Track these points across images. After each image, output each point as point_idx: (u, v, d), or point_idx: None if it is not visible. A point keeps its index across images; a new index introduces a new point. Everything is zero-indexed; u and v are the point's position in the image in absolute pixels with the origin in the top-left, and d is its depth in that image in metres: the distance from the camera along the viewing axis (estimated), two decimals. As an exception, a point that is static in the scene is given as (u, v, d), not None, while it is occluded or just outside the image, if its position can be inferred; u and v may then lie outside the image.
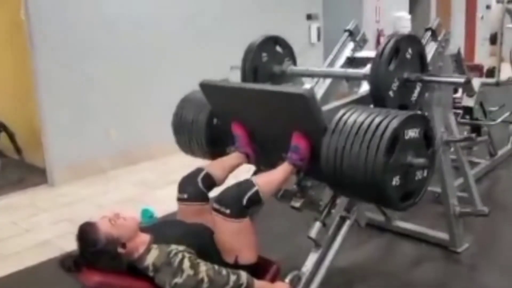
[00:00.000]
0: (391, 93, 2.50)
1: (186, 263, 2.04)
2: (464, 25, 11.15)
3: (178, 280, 2.02)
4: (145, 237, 2.16)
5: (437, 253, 3.27)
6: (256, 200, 2.25)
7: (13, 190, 4.84)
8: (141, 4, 5.47)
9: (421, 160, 2.14)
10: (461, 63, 3.67)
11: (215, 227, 2.28)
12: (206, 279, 2.05)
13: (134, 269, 2.12)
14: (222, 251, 2.26)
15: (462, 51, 5.45)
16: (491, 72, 5.06)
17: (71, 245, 2.13)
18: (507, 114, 4.61)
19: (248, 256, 2.27)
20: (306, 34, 7.39)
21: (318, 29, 7.50)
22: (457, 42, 8.98)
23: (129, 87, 5.42)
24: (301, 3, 7.19)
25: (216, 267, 2.11)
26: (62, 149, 4.94)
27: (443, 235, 3.32)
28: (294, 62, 3.25)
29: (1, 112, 5.61)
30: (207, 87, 2.70)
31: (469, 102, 4.16)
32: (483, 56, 9.76)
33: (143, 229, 2.23)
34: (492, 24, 5.00)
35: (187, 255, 2.07)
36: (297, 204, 2.68)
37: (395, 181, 2.11)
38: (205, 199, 2.48)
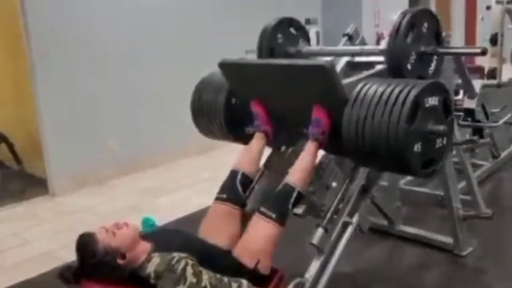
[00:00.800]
0: (409, 66, 2.53)
1: (189, 271, 2.03)
2: (464, 27, 11.14)
3: (181, 287, 2.00)
4: (146, 246, 2.16)
5: (441, 257, 3.24)
6: (299, 198, 2.39)
7: (14, 201, 4.82)
8: (141, 14, 5.46)
9: (441, 127, 2.17)
10: (461, 64, 3.64)
11: (251, 228, 2.33)
12: (208, 287, 2.03)
13: (135, 278, 2.09)
14: (246, 253, 2.27)
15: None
16: (492, 73, 5.03)
17: (72, 255, 2.12)
18: (509, 115, 4.57)
19: (267, 264, 2.30)
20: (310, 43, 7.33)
21: (317, 34, 7.48)
22: (457, 43, 8.95)
23: (129, 96, 5.41)
24: (299, 7, 7.15)
25: (218, 275, 2.10)
26: (63, 159, 4.93)
27: (447, 239, 3.29)
28: (309, 43, 3.27)
29: (1, 123, 5.60)
30: (226, 66, 2.71)
31: (470, 104, 4.13)
32: (483, 59, 9.73)
33: (144, 237, 2.22)
34: (493, 25, 4.98)
35: (190, 262, 2.06)
36: (299, 210, 2.65)
37: (417, 147, 2.14)
38: (240, 204, 2.52)
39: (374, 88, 2.22)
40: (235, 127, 2.90)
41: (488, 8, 11.56)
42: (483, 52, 2.71)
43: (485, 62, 5.28)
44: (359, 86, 2.28)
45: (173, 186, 5.00)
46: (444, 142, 2.28)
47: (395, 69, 2.53)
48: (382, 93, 2.17)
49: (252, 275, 2.23)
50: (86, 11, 5.00)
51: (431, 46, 2.63)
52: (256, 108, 2.69)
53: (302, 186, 2.39)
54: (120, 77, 5.31)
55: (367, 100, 2.19)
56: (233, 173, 2.60)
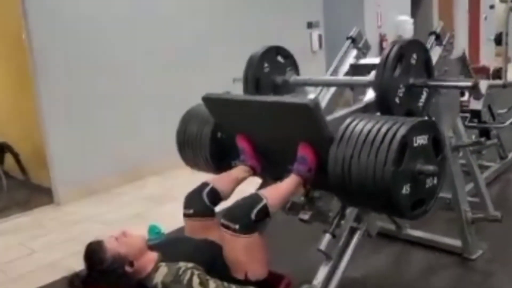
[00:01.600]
0: (397, 100, 2.47)
1: (196, 281, 2.01)
2: (467, 26, 11.10)
3: None
4: (153, 255, 2.14)
5: (450, 260, 3.20)
6: (265, 213, 2.21)
7: (19, 211, 4.82)
8: (147, 22, 5.48)
9: (430, 167, 2.11)
10: (466, 66, 3.62)
11: (223, 243, 2.24)
12: None
13: None
14: (232, 268, 2.22)
15: (467, 53, 5.40)
16: (497, 73, 5.00)
17: (79, 264, 2.11)
18: (516, 116, 4.53)
19: (258, 272, 2.24)
20: (308, 42, 7.37)
21: (320, 37, 7.48)
22: (461, 44, 8.92)
23: (133, 103, 5.41)
24: (301, 11, 7.17)
25: (226, 284, 2.08)
26: (67, 168, 4.93)
27: (456, 242, 3.25)
28: (297, 72, 3.22)
29: (6, 133, 5.61)
30: (209, 101, 2.67)
31: (476, 105, 4.09)
32: (488, 57, 9.69)
33: (150, 247, 2.21)
34: (497, 24, 4.94)
35: (196, 272, 2.04)
36: (305, 216, 2.64)
37: (405, 189, 2.08)
38: (212, 214, 2.45)
39: (361, 126, 2.16)
40: (221, 161, 2.85)
41: (492, 7, 11.59)
42: (474, 86, 2.67)
43: (490, 62, 5.27)
44: (346, 123, 2.22)
45: (178, 193, 4.91)
46: (435, 181, 2.20)
47: (383, 102, 2.47)
48: (369, 132, 2.10)
49: (249, 284, 2.18)
50: (89, 10, 5.04)
51: (421, 78, 2.56)
52: (241, 143, 2.64)
53: (271, 203, 2.22)
54: (125, 84, 5.32)
55: (353, 139, 2.13)
56: (202, 185, 2.50)
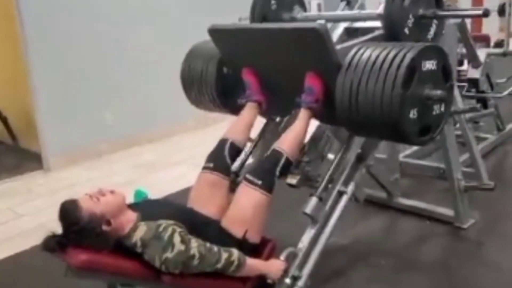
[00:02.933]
0: (406, 30, 2.43)
1: (177, 238, 1.98)
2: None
3: (168, 255, 1.96)
4: (132, 214, 2.10)
5: (441, 229, 3.15)
6: (288, 166, 2.34)
7: (8, 176, 4.77)
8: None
9: (438, 92, 2.09)
10: (466, 32, 3.52)
11: (238, 196, 2.29)
12: (197, 255, 1.99)
13: (122, 248, 2.04)
14: (234, 222, 2.23)
15: (469, 24, 5.27)
16: (499, 45, 4.88)
17: None
18: (515, 86, 4.43)
19: (256, 234, 2.26)
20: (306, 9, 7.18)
21: (319, 6, 7.32)
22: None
23: (124, 69, 5.31)
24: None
25: (208, 244, 2.05)
26: (57, 133, 4.86)
27: (448, 211, 3.20)
28: (304, 9, 3.18)
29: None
30: (216, 32, 2.63)
31: (474, 74, 3.99)
32: (491, 30, 9.53)
33: (131, 207, 2.17)
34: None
35: (177, 229, 2.01)
36: (293, 181, 2.62)
37: (413, 114, 2.07)
38: (228, 173, 2.48)
39: (369, 53, 2.13)
40: (226, 98, 2.84)
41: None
42: (485, 14, 2.57)
43: (493, 36, 5.15)
44: (353, 51, 2.19)
45: (169, 161, 4.94)
46: (442, 108, 2.20)
47: (392, 33, 2.43)
48: (377, 58, 2.08)
49: (242, 245, 2.18)
50: None
51: (431, 9, 2.51)
52: (247, 77, 2.63)
53: (291, 153, 2.33)
54: (115, 51, 5.21)
55: (361, 66, 2.11)
56: (222, 142, 2.54)
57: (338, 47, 2.39)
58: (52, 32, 4.74)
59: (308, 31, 2.23)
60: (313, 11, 7.22)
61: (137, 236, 2.00)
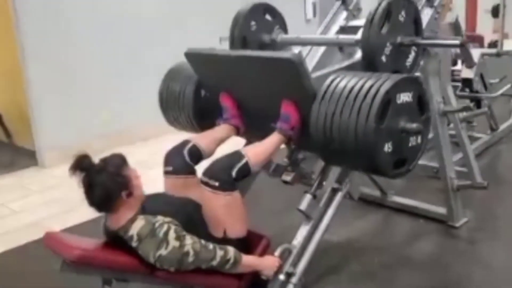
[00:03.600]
0: (383, 58, 2.41)
1: (172, 235, 1.98)
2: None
3: (162, 252, 1.96)
4: (136, 205, 2.10)
5: (434, 228, 3.17)
6: (245, 171, 2.22)
7: (2, 172, 4.76)
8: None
9: (414, 125, 2.06)
10: (459, 32, 3.54)
11: (203, 200, 2.22)
12: (191, 252, 1.99)
13: (118, 240, 2.05)
14: (210, 225, 2.21)
15: (463, 25, 5.30)
16: (493, 46, 4.91)
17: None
18: (508, 86, 4.44)
19: (237, 230, 2.23)
20: (301, 10, 7.23)
21: (314, 5, 7.34)
22: (459, 15, 8.77)
23: (119, 67, 5.30)
24: (296, -24, 7.01)
25: (203, 241, 2.05)
26: (52, 131, 4.85)
27: (441, 210, 3.21)
28: (285, 31, 3.14)
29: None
30: (193, 56, 2.62)
31: (468, 73, 4.02)
32: (485, 31, 9.59)
33: None
34: (496, -3, 4.83)
35: (173, 226, 2.01)
36: (288, 178, 2.62)
37: (387, 147, 2.04)
38: (192, 172, 2.42)
39: (344, 83, 2.11)
40: (203, 120, 2.80)
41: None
42: (462, 44, 2.61)
43: (487, 36, 5.19)
44: (329, 79, 2.17)
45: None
46: (419, 140, 2.17)
47: (369, 61, 2.41)
48: (352, 88, 2.06)
49: (227, 243, 2.16)
50: None
51: (409, 36, 2.49)
52: (224, 101, 2.61)
53: (252, 161, 2.24)
54: (111, 48, 5.20)
55: (336, 96, 2.08)
56: (184, 142, 2.47)
57: (314, 75, 2.38)
58: (47, 29, 4.73)
59: (283, 61, 2.21)
60: (308, 10, 7.26)
61: (133, 230, 2.01)
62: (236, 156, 2.24)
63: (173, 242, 1.97)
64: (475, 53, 4.01)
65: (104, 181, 1.99)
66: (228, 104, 2.60)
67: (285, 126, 2.33)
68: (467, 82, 4.05)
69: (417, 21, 2.54)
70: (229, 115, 2.60)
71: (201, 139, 2.52)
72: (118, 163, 2.05)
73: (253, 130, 2.65)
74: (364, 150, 2.00)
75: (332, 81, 2.16)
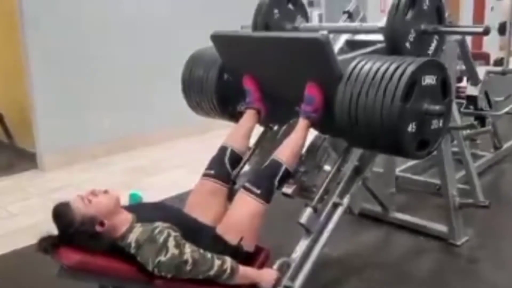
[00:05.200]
0: (407, 45, 2.42)
1: (171, 242, 1.97)
2: (472, 16, 10.96)
3: (162, 258, 1.94)
4: (128, 215, 2.09)
5: (435, 245, 3.14)
6: (286, 176, 2.35)
7: (2, 174, 4.75)
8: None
9: (437, 107, 2.10)
10: (466, 49, 3.52)
11: (235, 204, 2.29)
12: (190, 261, 1.97)
13: (117, 249, 2.03)
14: (229, 229, 2.22)
15: (469, 43, 5.29)
16: (499, 63, 4.89)
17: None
18: (513, 105, 4.44)
19: (251, 241, 2.26)
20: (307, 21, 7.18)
21: (320, 16, 7.34)
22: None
23: (123, 72, 5.30)
24: (303, -12, 7.01)
25: (201, 250, 2.04)
26: (53, 134, 4.83)
27: (442, 228, 3.19)
28: (307, 19, 3.16)
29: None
30: (218, 38, 2.64)
31: (473, 91, 4.00)
32: (491, 48, 9.56)
33: (127, 209, 2.16)
34: (504, 14, 4.81)
35: (172, 233, 2.00)
36: (288, 190, 2.60)
37: (411, 127, 2.07)
38: (227, 181, 2.48)
39: (370, 65, 2.14)
40: (226, 105, 2.83)
41: (499, -3, 11.38)
42: (486, 31, 2.57)
43: (494, 54, 5.17)
44: (354, 62, 2.20)
45: (165, 165, 4.93)
46: (440, 123, 2.21)
47: (393, 47, 2.41)
48: (378, 70, 2.09)
49: (237, 252, 2.17)
50: None
51: (432, 24, 2.51)
52: (248, 85, 2.63)
53: (290, 163, 2.33)
54: (114, 53, 5.20)
55: (362, 77, 2.12)
56: (222, 149, 2.55)
57: (339, 58, 2.38)
58: (51, 32, 4.73)
59: (310, 41, 2.24)
60: (314, 21, 7.26)
61: (132, 237, 2.00)
62: (275, 165, 2.32)
63: (172, 249, 1.95)
64: (481, 70, 4.00)
65: (76, 240, 1.97)
66: (251, 86, 2.62)
67: (309, 108, 2.35)
68: (471, 99, 4.02)
69: (439, 10, 2.54)
70: (252, 98, 2.63)
71: (235, 140, 2.59)
72: (66, 219, 1.97)
73: (275, 114, 2.69)
74: (388, 130, 2.03)
75: (357, 63, 2.18)
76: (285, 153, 2.36)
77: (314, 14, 7.25)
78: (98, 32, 5.05)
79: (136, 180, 4.54)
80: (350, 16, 3.26)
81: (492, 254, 3.05)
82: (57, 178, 4.62)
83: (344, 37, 3.24)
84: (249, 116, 2.64)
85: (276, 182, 2.28)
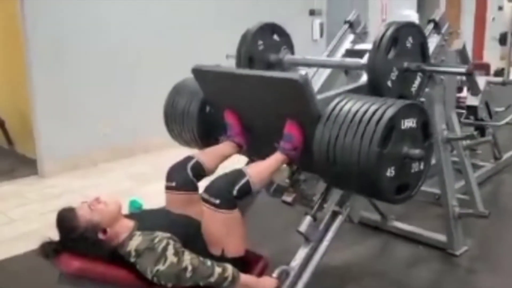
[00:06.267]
0: (389, 83, 2.41)
1: (170, 250, 1.97)
2: (473, 26, 10.98)
3: (160, 267, 1.94)
4: (128, 223, 2.10)
5: (434, 255, 3.14)
6: (247, 190, 2.20)
7: (3, 180, 4.75)
8: (134, 3, 5.36)
9: (417, 151, 2.06)
10: (466, 59, 3.54)
11: (203, 218, 2.20)
12: (189, 268, 1.97)
13: (117, 256, 2.04)
14: (209, 243, 2.19)
15: (470, 53, 5.31)
16: (499, 74, 4.91)
17: (57, 235, 2.05)
18: (513, 115, 4.45)
19: (235, 249, 2.20)
20: (309, 30, 7.27)
21: (321, 25, 7.37)
22: (464, 39, 8.80)
23: (122, 80, 5.32)
24: (304, -4, 7.06)
25: (201, 258, 2.04)
26: (54, 140, 4.84)
27: (441, 237, 3.19)
28: (292, 51, 3.14)
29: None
30: (199, 72, 2.62)
31: (473, 101, 4.01)
32: (492, 59, 9.61)
33: (128, 216, 2.17)
34: (505, 25, 4.83)
35: (171, 242, 2.00)
36: (288, 198, 2.61)
37: (390, 172, 2.03)
38: (194, 188, 2.39)
39: (349, 106, 2.12)
40: (208, 136, 2.79)
41: (500, 8, 11.45)
42: (469, 72, 2.59)
43: (494, 64, 5.19)
44: (334, 102, 2.18)
45: (164, 172, 4.88)
46: (421, 166, 2.17)
47: (374, 85, 2.41)
48: (357, 112, 2.06)
49: (225, 261, 2.14)
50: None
51: (415, 62, 2.49)
52: (229, 119, 2.60)
53: (254, 180, 2.22)
54: (114, 60, 5.21)
55: (341, 118, 2.09)
56: (187, 158, 2.45)
57: (320, 96, 2.36)
58: (53, 40, 4.75)
59: (289, 82, 2.20)
60: (315, 31, 7.30)
61: (131, 246, 2.00)
62: (238, 174, 2.22)
63: (171, 258, 1.95)
64: (481, 80, 4.01)
65: (78, 246, 1.98)
66: (232, 121, 2.59)
67: (288, 146, 2.31)
68: (472, 110, 4.03)
69: (424, 47, 2.53)
70: (233, 132, 2.59)
71: (204, 155, 2.51)
72: (70, 224, 1.99)
73: (255, 149, 2.63)
74: (366, 174, 1.99)
75: (337, 104, 2.16)
76: (253, 168, 2.29)
77: (316, 23, 7.29)
78: (100, 39, 5.07)
79: (135, 187, 4.53)
80: (351, 26, 3.28)
81: (492, 265, 3.04)
82: (58, 185, 4.62)
83: (344, 46, 3.25)
84: (227, 145, 2.59)
85: (234, 191, 2.15)
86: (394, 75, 2.41)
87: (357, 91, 2.49)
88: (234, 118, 2.59)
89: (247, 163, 2.73)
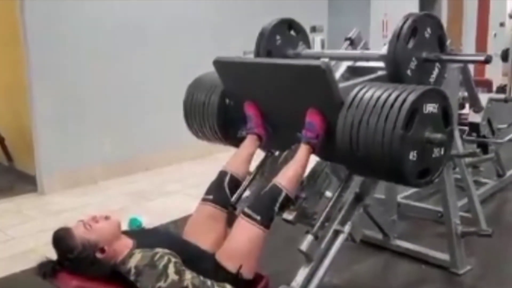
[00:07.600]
0: (408, 72, 2.44)
1: (172, 268, 1.96)
2: (475, 43, 11.00)
3: (161, 284, 1.93)
4: (128, 241, 2.09)
5: (437, 274, 3.10)
6: (287, 201, 2.31)
7: (2, 197, 4.73)
8: (137, 11, 5.36)
9: (439, 136, 2.08)
10: (468, 76, 3.53)
11: (234, 230, 2.25)
12: (190, 287, 1.96)
13: (117, 275, 2.02)
14: (227, 256, 2.19)
15: (472, 70, 5.30)
16: (501, 90, 4.90)
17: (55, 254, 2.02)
18: (516, 132, 4.42)
19: (250, 269, 2.21)
20: (310, 46, 7.23)
21: (322, 42, 7.39)
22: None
23: (124, 96, 5.32)
24: (305, 14, 6.97)
25: (201, 277, 2.03)
26: (53, 157, 4.83)
27: (444, 256, 3.15)
28: (308, 46, 3.19)
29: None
30: (220, 64, 2.65)
31: (476, 118, 3.99)
32: (494, 74, 9.60)
33: (127, 234, 2.16)
34: (507, 41, 4.83)
35: (173, 259, 1.99)
36: (290, 216, 2.56)
37: (412, 155, 2.06)
38: (226, 206, 2.45)
39: (371, 92, 2.14)
40: (228, 130, 2.82)
41: (502, 24, 11.45)
42: (487, 60, 2.59)
43: (496, 81, 5.18)
44: (356, 89, 2.20)
45: (165, 190, 4.92)
46: (442, 152, 2.19)
47: (394, 75, 2.44)
48: (379, 97, 2.09)
49: (235, 280, 2.14)
50: (80, 10, 4.93)
51: (434, 52, 2.52)
52: (249, 110, 2.63)
53: (290, 189, 2.30)
54: (115, 76, 5.21)
55: (363, 104, 2.11)
56: (222, 174, 2.52)
57: (341, 85, 2.38)
58: (53, 56, 4.75)
59: (312, 68, 2.24)
60: (316, 47, 7.30)
61: (131, 263, 1.98)
62: (276, 190, 2.28)
63: (172, 276, 1.94)
64: (483, 97, 4.00)
65: (76, 266, 1.98)
66: (253, 112, 2.62)
67: (310, 134, 2.33)
68: (474, 127, 4.01)
69: (441, 38, 2.56)
70: (253, 123, 2.62)
71: (234, 164, 2.57)
72: (67, 245, 1.99)
73: (276, 140, 2.68)
74: (389, 157, 2.01)
75: (359, 91, 2.18)
76: (285, 178, 2.33)
77: (317, 39, 7.30)
78: (99, 55, 5.07)
79: (135, 204, 4.51)
80: (352, 43, 3.27)
81: (495, 284, 3.00)
82: (57, 202, 4.60)
83: (345, 64, 3.24)
84: (250, 141, 2.63)
85: (276, 208, 2.25)
86: (413, 64, 2.44)
87: (375, 81, 2.50)
88: (254, 109, 2.62)
89: (263, 160, 2.79)
